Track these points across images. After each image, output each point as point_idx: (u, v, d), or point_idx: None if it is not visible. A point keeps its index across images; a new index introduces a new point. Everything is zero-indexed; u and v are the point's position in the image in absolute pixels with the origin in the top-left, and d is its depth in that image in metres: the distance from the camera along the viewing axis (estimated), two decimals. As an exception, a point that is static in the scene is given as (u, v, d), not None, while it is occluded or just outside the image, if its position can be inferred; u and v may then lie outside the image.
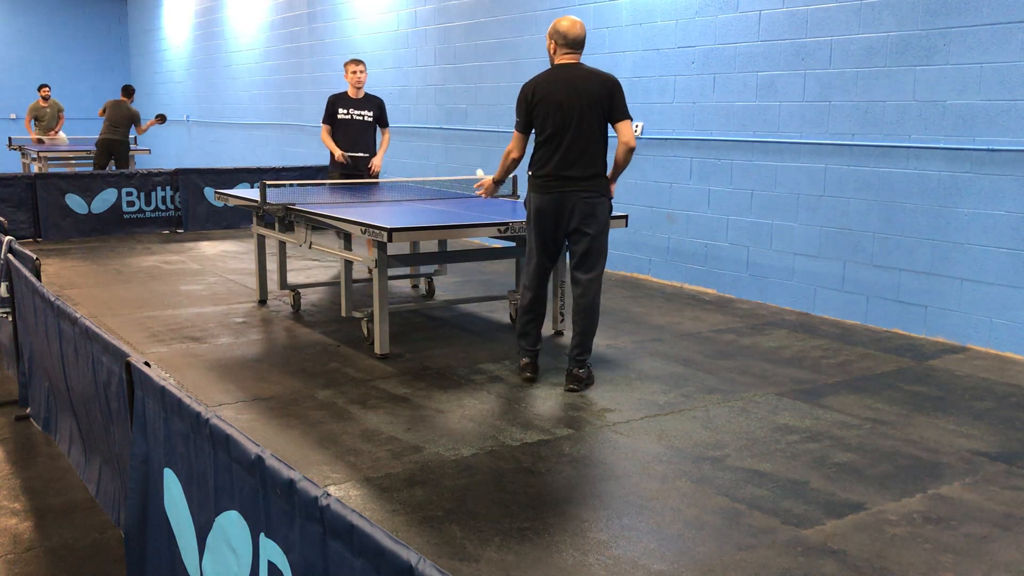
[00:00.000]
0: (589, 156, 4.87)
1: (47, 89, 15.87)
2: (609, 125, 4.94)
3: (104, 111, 12.84)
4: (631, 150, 4.89)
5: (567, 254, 5.25)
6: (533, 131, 5.00)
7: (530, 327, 5.17)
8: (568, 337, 6.21)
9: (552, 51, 5.01)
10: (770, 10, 7.06)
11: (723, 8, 7.43)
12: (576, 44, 4.97)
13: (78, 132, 19.42)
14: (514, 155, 5.11)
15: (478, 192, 5.52)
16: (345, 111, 8.02)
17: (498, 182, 5.37)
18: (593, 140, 4.88)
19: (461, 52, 10.50)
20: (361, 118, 8.06)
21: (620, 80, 8.39)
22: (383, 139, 8.32)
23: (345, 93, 8.09)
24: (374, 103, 8.15)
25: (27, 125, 15.96)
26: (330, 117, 8.01)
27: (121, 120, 12.80)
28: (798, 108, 6.94)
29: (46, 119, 15.86)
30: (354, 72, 8.00)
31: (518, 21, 9.61)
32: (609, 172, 5.02)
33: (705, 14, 7.60)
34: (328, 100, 8.07)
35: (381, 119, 8.18)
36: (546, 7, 9.20)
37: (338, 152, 7.91)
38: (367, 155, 8.09)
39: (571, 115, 4.85)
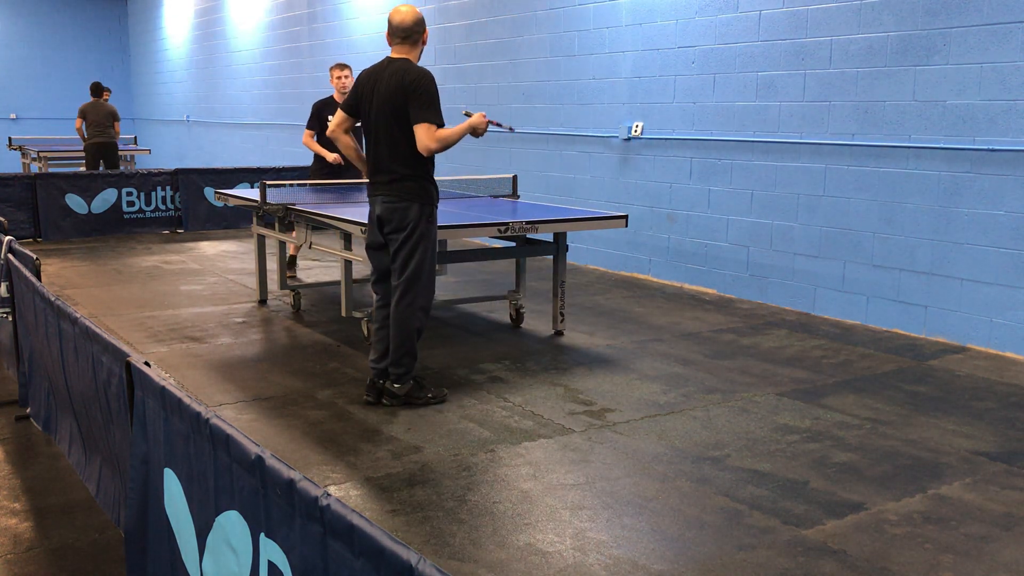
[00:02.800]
0: (388, 161, 4.58)
1: (108, 93, 15.65)
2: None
3: (83, 117, 12.67)
4: (430, 151, 4.49)
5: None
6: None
7: (378, 343, 4.82)
8: (566, 337, 6.22)
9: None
10: (770, 10, 7.06)
11: (723, 8, 7.43)
12: (396, 33, 4.58)
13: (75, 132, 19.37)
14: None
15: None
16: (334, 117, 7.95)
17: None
18: (391, 144, 4.56)
19: (461, 52, 10.50)
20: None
21: (618, 80, 8.45)
22: None
23: (331, 99, 8.00)
24: None
25: (78, 127, 15.62)
26: (317, 123, 7.92)
27: (106, 120, 12.72)
28: (798, 108, 6.94)
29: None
30: (339, 77, 7.92)
31: (518, 21, 9.61)
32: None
33: (705, 14, 7.60)
34: (314, 106, 7.98)
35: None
36: (546, 7, 9.21)
37: (332, 155, 7.83)
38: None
39: (371, 118, 4.60)
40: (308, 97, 13.69)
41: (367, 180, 4.78)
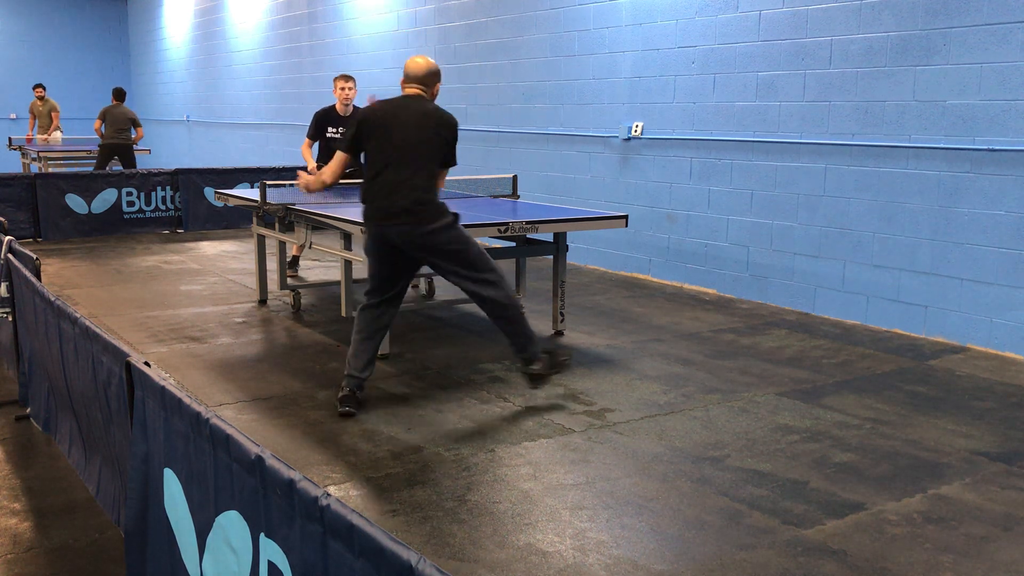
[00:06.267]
0: (409, 187, 4.68)
1: (40, 89, 15.94)
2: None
3: (102, 120, 12.75)
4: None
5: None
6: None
7: (364, 353, 4.78)
8: (566, 337, 6.21)
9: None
10: (770, 10, 7.06)
11: (723, 8, 7.43)
12: (410, 79, 4.78)
13: (78, 132, 19.41)
14: None
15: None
16: (335, 130, 7.92)
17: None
18: (417, 170, 4.70)
19: (461, 52, 10.50)
20: None
21: (618, 80, 8.45)
22: None
23: (333, 109, 7.96)
24: None
25: (30, 124, 16.20)
26: (317, 134, 7.90)
27: (125, 123, 12.80)
28: (798, 108, 6.94)
29: (43, 119, 15.94)
30: (343, 88, 7.87)
31: (518, 21, 9.61)
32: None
33: (705, 14, 7.60)
34: (316, 116, 7.93)
35: None
36: (546, 7, 9.21)
37: (311, 166, 7.75)
38: (352, 169, 8.04)
39: (393, 144, 4.67)
40: (308, 97, 13.70)
41: (368, 201, 4.68)
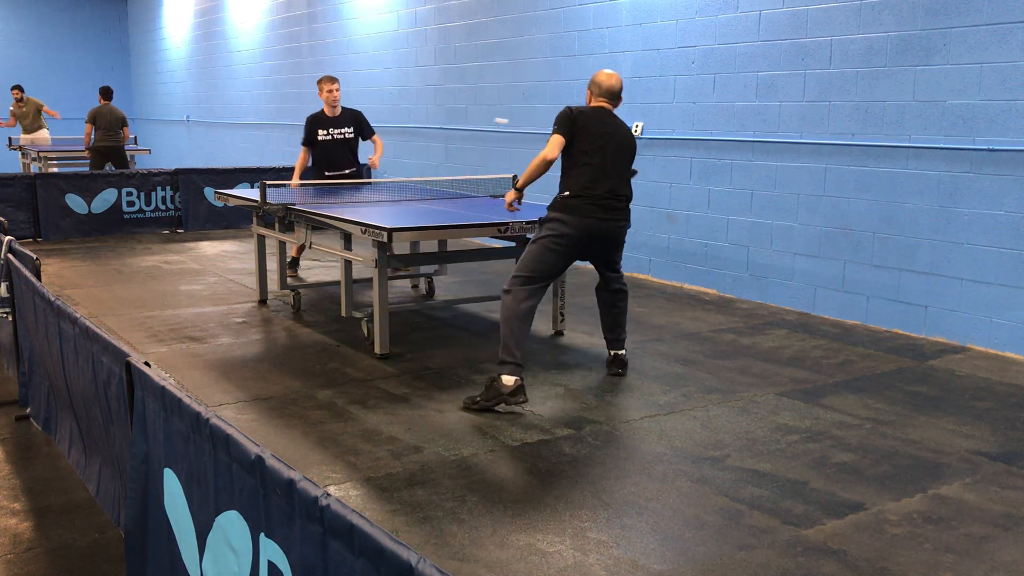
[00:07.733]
0: (621, 189, 5.12)
1: (18, 91, 15.32)
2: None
3: (93, 123, 12.55)
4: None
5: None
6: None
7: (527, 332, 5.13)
8: (566, 337, 6.21)
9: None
10: (770, 10, 7.06)
11: (723, 8, 7.43)
12: (610, 95, 5.14)
13: (79, 132, 19.43)
14: None
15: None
16: (325, 132, 7.88)
17: None
18: (624, 178, 5.17)
19: (461, 52, 10.50)
20: (341, 136, 7.96)
21: (621, 80, 8.43)
22: (376, 145, 8.15)
23: (322, 112, 7.93)
24: (351, 118, 8.02)
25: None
26: (310, 139, 7.89)
27: (116, 125, 12.68)
28: (798, 108, 6.94)
29: (27, 120, 15.46)
30: (329, 91, 7.83)
31: (518, 21, 9.61)
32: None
33: (705, 14, 7.60)
34: (308, 121, 7.90)
35: (364, 131, 8.07)
36: (546, 7, 9.21)
37: (294, 182, 7.80)
38: (350, 171, 8.06)
39: (607, 151, 5.04)
40: (308, 97, 13.70)
41: (586, 196, 4.95)
